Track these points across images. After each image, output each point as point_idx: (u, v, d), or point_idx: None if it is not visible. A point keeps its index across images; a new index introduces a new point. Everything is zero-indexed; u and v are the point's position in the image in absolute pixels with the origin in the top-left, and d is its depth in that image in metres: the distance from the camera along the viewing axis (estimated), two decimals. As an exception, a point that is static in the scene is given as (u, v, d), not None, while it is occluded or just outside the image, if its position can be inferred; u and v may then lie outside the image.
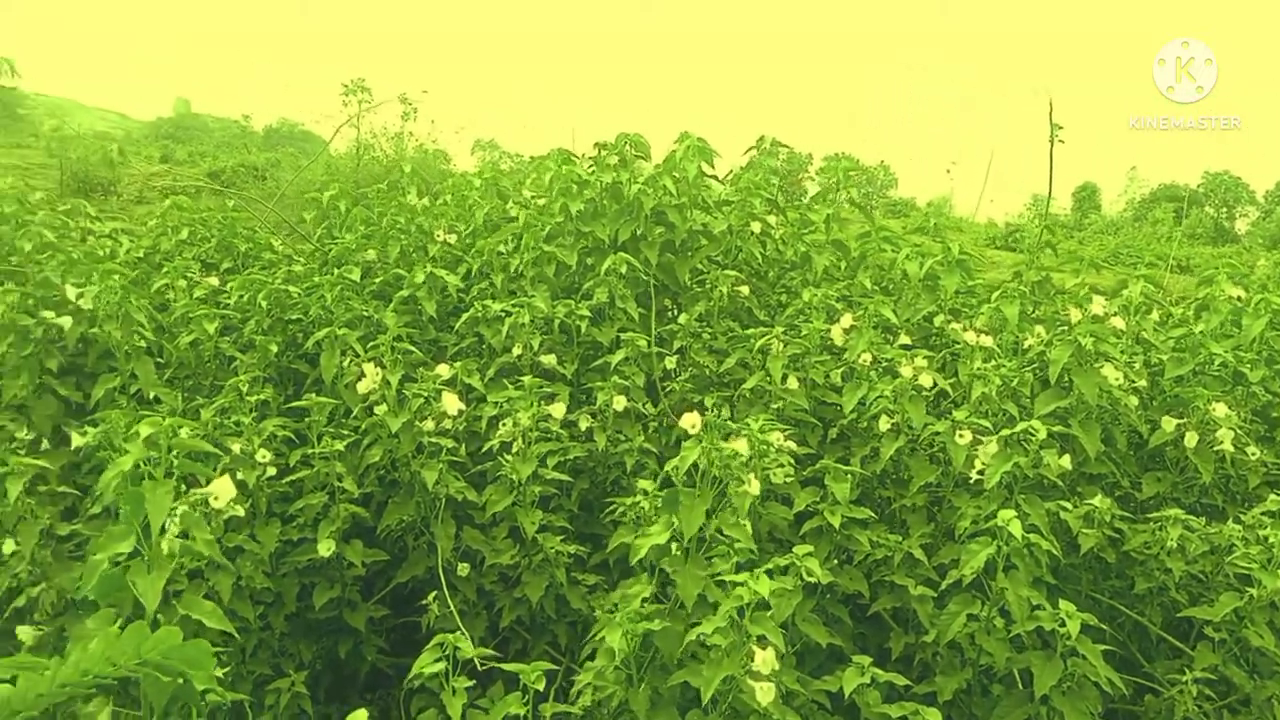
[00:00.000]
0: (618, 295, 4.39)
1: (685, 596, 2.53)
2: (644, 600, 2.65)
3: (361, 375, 3.69)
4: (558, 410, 3.50)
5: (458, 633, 2.55)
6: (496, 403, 3.80)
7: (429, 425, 3.57)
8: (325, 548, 3.38)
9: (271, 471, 3.43)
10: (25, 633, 3.14)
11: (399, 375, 3.47)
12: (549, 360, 4.09)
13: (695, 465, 2.75)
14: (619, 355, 4.07)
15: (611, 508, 3.42)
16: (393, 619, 3.85)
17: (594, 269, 4.60)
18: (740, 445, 2.63)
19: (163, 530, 2.21)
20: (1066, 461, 3.25)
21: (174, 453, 2.20)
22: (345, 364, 4.03)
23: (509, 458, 3.43)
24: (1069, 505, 3.33)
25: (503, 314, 4.20)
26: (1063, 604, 2.87)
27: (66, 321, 4.01)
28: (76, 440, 3.27)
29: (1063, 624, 2.81)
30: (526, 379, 3.62)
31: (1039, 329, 3.98)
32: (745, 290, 4.49)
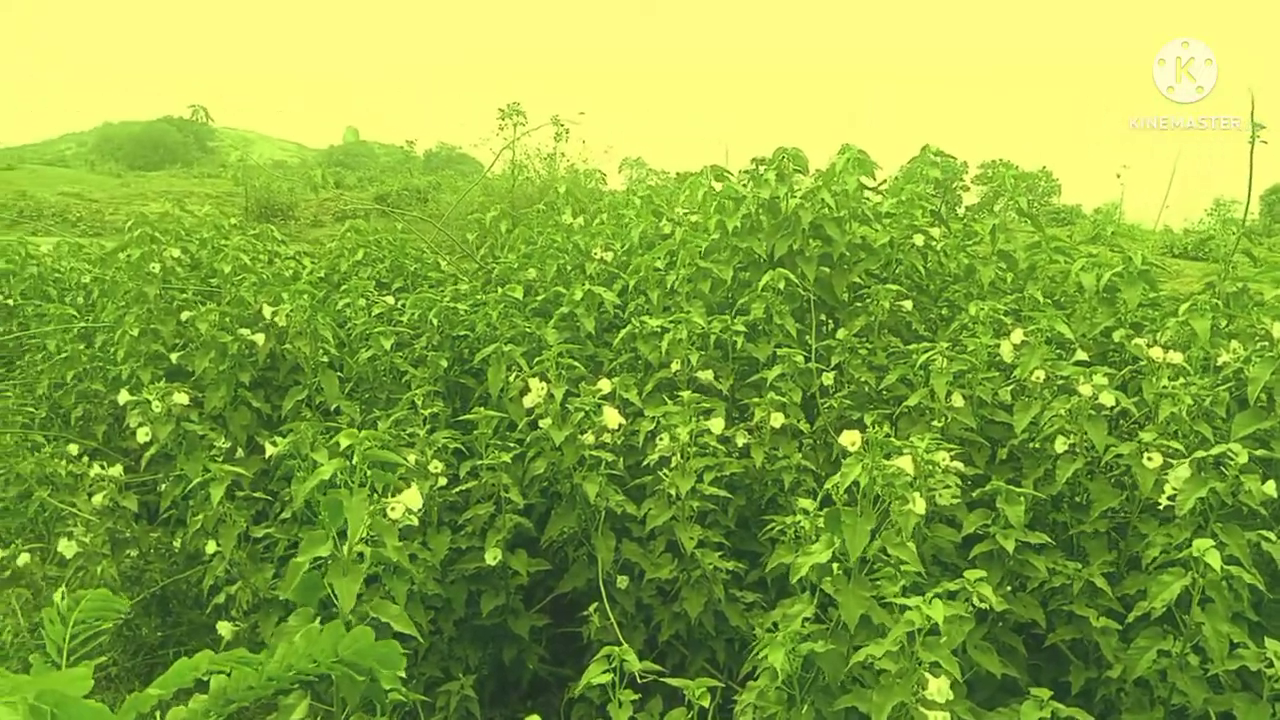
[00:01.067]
0: (774, 311, 4.36)
1: (848, 618, 2.48)
2: (805, 620, 2.61)
3: (525, 390, 3.81)
4: (716, 425, 3.51)
5: (623, 646, 2.58)
6: (653, 418, 3.85)
7: (589, 438, 3.65)
8: (492, 556, 3.51)
9: (442, 482, 3.59)
10: (225, 628, 3.40)
11: (563, 390, 3.57)
12: (706, 376, 4.11)
13: (856, 484, 2.69)
14: (776, 371, 4.04)
15: (769, 525, 3.40)
16: (553, 628, 3.95)
17: (750, 284, 4.59)
18: (905, 464, 2.56)
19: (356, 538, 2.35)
20: (1271, 488, 2.99)
21: (368, 464, 2.33)
22: (510, 379, 4.18)
23: (668, 472, 3.46)
24: (1272, 536, 3.06)
25: (660, 330, 4.25)
26: (1269, 643, 2.64)
27: (260, 338, 4.34)
28: (270, 449, 3.52)
29: (1270, 665, 2.59)
30: (684, 394, 3.64)
31: (1234, 344, 3.69)
32: (908, 305, 4.37)
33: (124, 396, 4.00)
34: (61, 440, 4.86)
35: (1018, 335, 3.76)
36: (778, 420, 3.76)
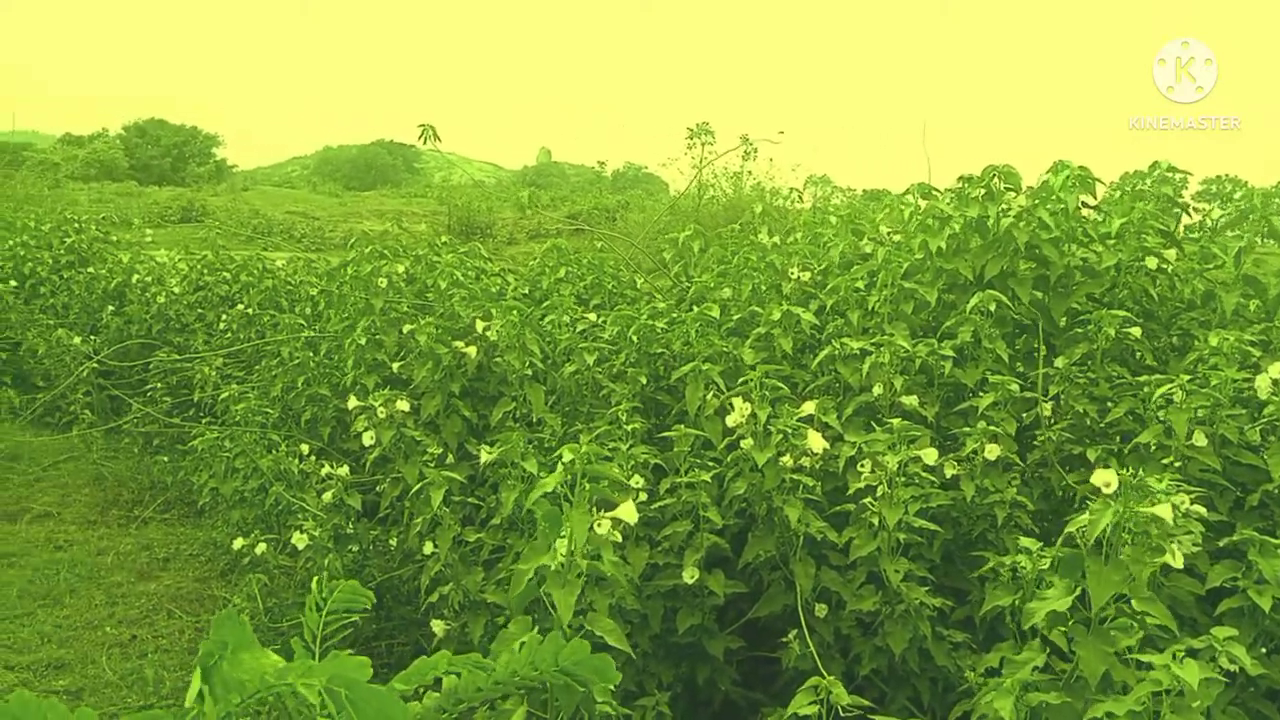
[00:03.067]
0: (984, 335, 4.16)
1: (1089, 672, 2.30)
2: (1033, 669, 2.45)
3: (725, 409, 3.81)
4: (929, 455, 3.37)
5: (831, 678, 2.52)
6: (854, 443, 3.75)
7: (787, 461, 3.60)
8: (690, 575, 3.51)
9: (642, 497, 3.64)
10: (438, 626, 3.57)
11: (766, 411, 3.53)
12: (910, 401, 3.97)
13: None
14: (988, 399, 3.85)
15: (979, 562, 3.22)
16: (745, 651, 3.91)
17: (954, 307, 4.40)
18: (1163, 511, 2.35)
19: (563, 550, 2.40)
20: None
21: (587, 477, 2.40)
22: (707, 397, 4.19)
23: (874, 501, 3.35)
24: None
25: (861, 352, 4.14)
26: None
27: (472, 350, 4.57)
28: (484, 456, 3.68)
29: None
30: (895, 421, 3.52)
31: None
32: (1136, 332, 4.06)
33: (352, 402, 4.30)
34: (294, 440, 5.30)
35: (1276, 369, 3.40)
36: (992, 452, 3.57)
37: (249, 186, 36.02)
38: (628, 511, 2.46)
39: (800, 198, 10.68)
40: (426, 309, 5.80)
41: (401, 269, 5.99)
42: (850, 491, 3.54)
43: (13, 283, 9.40)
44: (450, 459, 4.56)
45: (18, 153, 33.84)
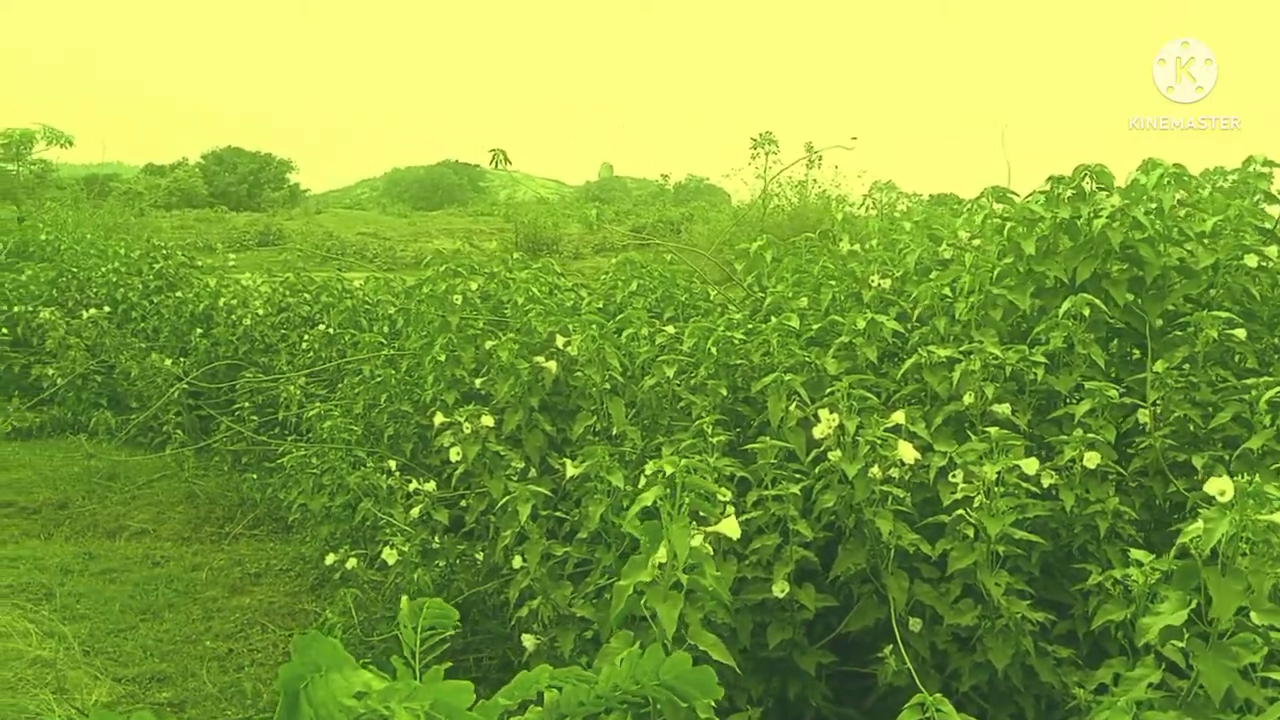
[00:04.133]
0: (1077, 340, 4.03)
1: (1212, 689, 2.20)
2: (1149, 686, 2.35)
3: (808, 420, 3.76)
4: (1030, 465, 3.28)
5: (936, 695, 2.45)
6: (944, 453, 3.67)
7: (876, 472, 3.53)
8: (780, 588, 3.47)
9: (730, 511, 3.60)
10: (529, 640, 3.59)
11: (855, 422, 3.48)
12: (1002, 410, 3.86)
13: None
14: (1084, 406, 3.73)
15: (1081, 575, 3.11)
16: (835, 666, 3.84)
17: (1045, 312, 4.29)
18: (1285, 520, 2.24)
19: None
20: None
21: (686, 491, 2.38)
22: (789, 408, 4.15)
23: (972, 512, 3.27)
24: None
25: (949, 360, 4.05)
26: None
27: (552, 365, 4.60)
28: (570, 470, 3.69)
29: None
30: (993, 431, 3.43)
31: None
32: (1240, 333, 3.89)
33: (438, 418, 4.37)
34: (378, 456, 5.40)
35: (1398, 370, 3.22)
36: (1092, 460, 3.45)
37: (321, 209, 37.03)
38: (730, 527, 2.44)
39: (874, 204, 10.52)
40: (502, 325, 5.86)
41: (476, 286, 6.07)
42: (946, 503, 3.46)
43: (106, 308, 9.79)
44: (533, 473, 4.59)
45: (105, 183, 35.35)
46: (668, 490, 2.42)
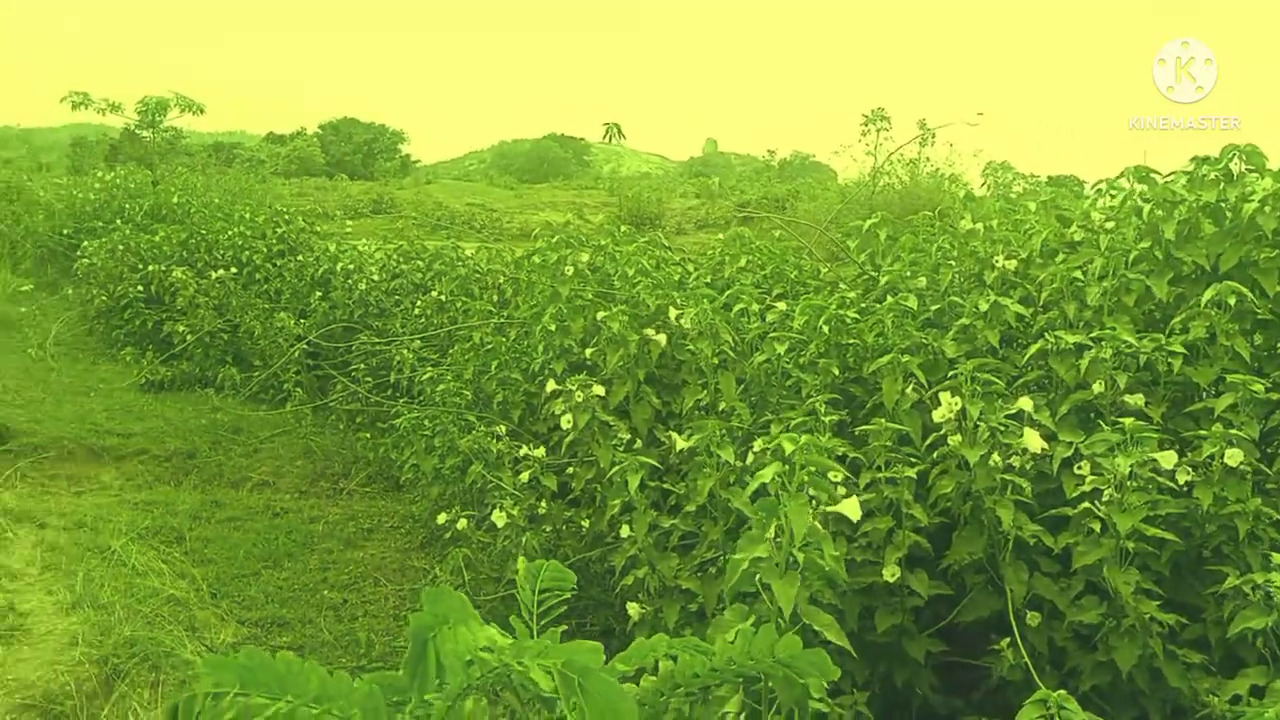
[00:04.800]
0: (1220, 330, 3.80)
1: (1372, 706, 2.06)
2: (1296, 698, 2.21)
3: (924, 403, 3.66)
4: (1167, 459, 3.12)
5: (1061, 692, 2.36)
6: (1070, 443, 3.53)
7: (996, 460, 3.41)
8: (890, 573, 3.40)
9: (842, 491, 3.54)
10: (634, 609, 3.62)
11: (978, 407, 3.37)
12: (1135, 401, 3.68)
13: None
14: (1225, 400, 3.52)
15: (1214, 578, 2.95)
16: (944, 655, 3.75)
17: (1185, 300, 4.06)
18: None
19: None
20: None
21: (806, 469, 2.35)
22: (905, 390, 4.04)
23: (1101, 506, 3.13)
24: None
25: (1078, 347, 3.88)
26: None
27: (662, 338, 4.59)
28: (679, 443, 3.69)
29: None
30: (1128, 422, 3.27)
31: None
32: (1407, 329, 3.60)
33: (550, 386, 4.42)
34: (488, 421, 5.51)
35: None
36: (1234, 458, 3.26)
37: (431, 180, 37.89)
38: (851, 507, 2.39)
39: (991, 184, 10.15)
40: (609, 297, 5.88)
41: (586, 258, 6.11)
42: (1071, 495, 3.32)
43: (233, 269, 10.24)
44: (638, 444, 4.61)
45: (230, 150, 36.97)
46: (786, 468, 2.38)
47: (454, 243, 9.16)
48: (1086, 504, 3.25)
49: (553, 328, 5.41)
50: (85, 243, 12.11)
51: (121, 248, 11.21)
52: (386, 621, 4.73)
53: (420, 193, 29.71)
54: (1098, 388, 3.74)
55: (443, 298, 7.93)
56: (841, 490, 3.51)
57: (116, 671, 3.30)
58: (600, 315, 4.88)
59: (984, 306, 4.32)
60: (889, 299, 4.77)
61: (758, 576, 2.32)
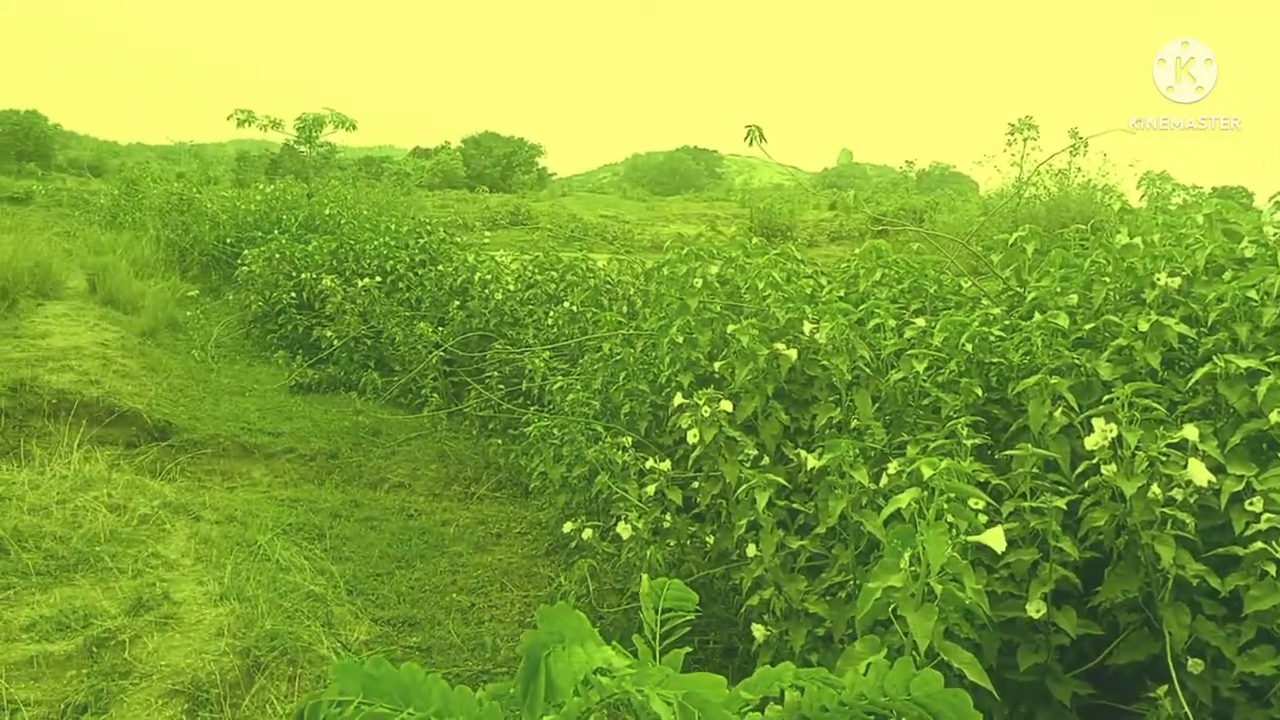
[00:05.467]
0: None
1: None
2: None
3: (1075, 428, 3.43)
4: (1360, 499, 2.81)
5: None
6: (1241, 476, 3.23)
7: (1155, 491, 3.16)
8: (1035, 609, 3.19)
9: (982, 519, 3.36)
10: (759, 631, 3.53)
11: (1136, 435, 3.12)
12: (1319, 433, 3.34)
13: None
14: None
15: None
16: (1093, 699, 3.50)
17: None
18: None
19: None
20: None
21: (945, 495, 2.22)
22: (1054, 414, 3.80)
23: (1278, 547, 2.85)
24: None
25: (1252, 373, 3.55)
26: None
27: (793, 353, 4.49)
28: (810, 462, 3.58)
29: None
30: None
31: None
32: None
33: (677, 399, 4.39)
34: (614, 431, 5.52)
35: None
36: None
37: (566, 192, 38.70)
38: (995, 538, 2.25)
39: (1154, 195, 9.55)
40: (737, 310, 5.81)
41: (715, 270, 6.05)
42: (1242, 533, 3.04)
43: (377, 278, 10.69)
44: (766, 460, 4.51)
45: (379, 164, 38.81)
46: (923, 493, 2.26)
47: (585, 254, 9.26)
48: (1261, 544, 2.97)
49: (680, 340, 5.38)
50: (245, 251, 12.93)
51: (278, 256, 11.90)
52: (512, 627, 4.79)
53: (555, 205, 30.38)
54: (1274, 417, 3.41)
55: (574, 308, 8.03)
56: (982, 518, 3.34)
57: (257, 664, 3.45)
58: (730, 329, 4.81)
59: (1144, 326, 4.02)
60: (1037, 316, 4.52)
61: (892, 606, 2.20)
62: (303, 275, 11.35)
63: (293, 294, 11.32)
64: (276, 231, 13.87)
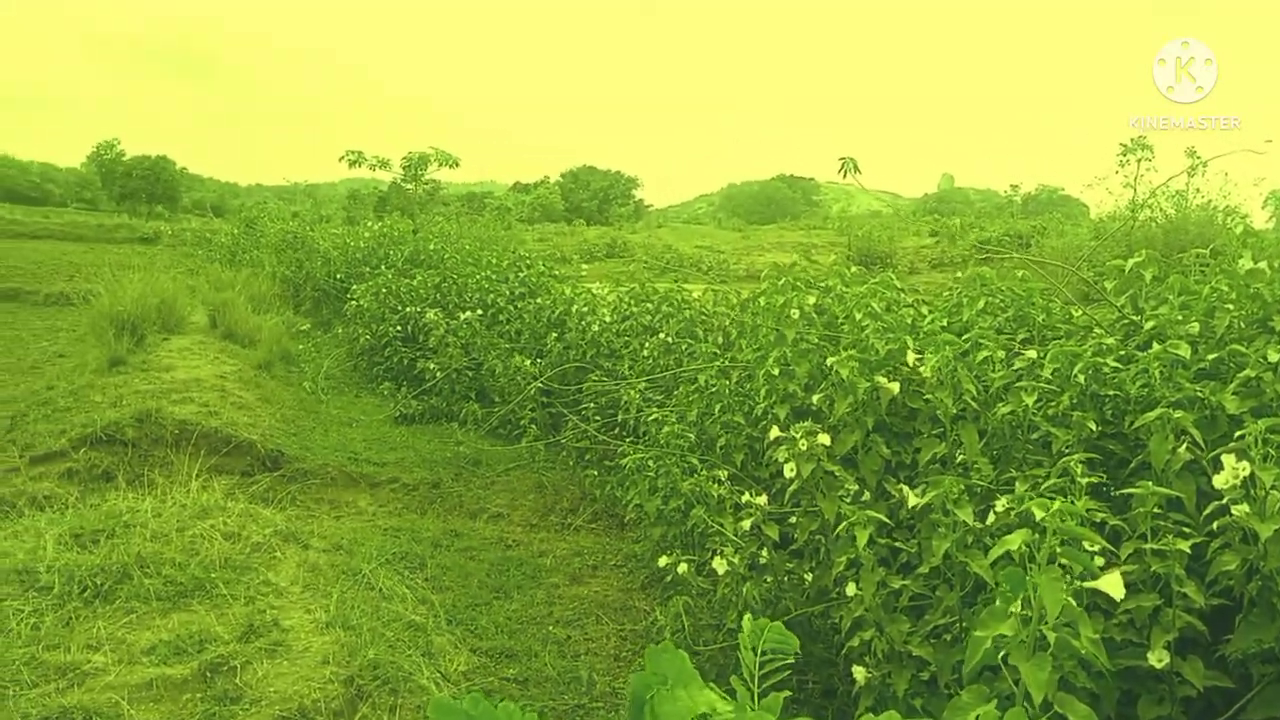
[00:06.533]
0: None
1: None
2: None
3: (1200, 465, 3.23)
4: None
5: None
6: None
7: (1291, 535, 2.94)
8: (1158, 658, 3.00)
9: (1099, 562, 3.19)
10: (860, 673, 3.42)
11: (1272, 473, 2.92)
12: None
13: None
14: None
15: None
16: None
17: None
18: None
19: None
20: None
21: (1058, 537, 2.12)
22: (1177, 450, 3.59)
23: None
24: None
25: (1400, 406, 3.29)
26: None
27: (895, 386, 4.37)
28: (911, 499, 3.47)
29: None
30: None
31: None
32: None
33: (774, 432, 4.32)
34: (710, 464, 5.48)
35: None
36: None
37: (662, 224, 38.99)
38: (1113, 584, 2.12)
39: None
40: (836, 340, 5.70)
41: (812, 300, 5.97)
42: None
43: (479, 311, 10.95)
44: (866, 496, 4.39)
45: (481, 199, 39.94)
46: (1035, 534, 2.15)
47: (680, 285, 9.28)
48: None
49: (776, 372, 5.31)
50: (354, 286, 13.44)
51: (384, 291, 12.32)
52: (608, 661, 4.77)
53: (651, 236, 30.62)
54: None
55: (669, 339, 8.03)
56: (1099, 561, 3.17)
57: (361, 692, 3.52)
58: (828, 360, 4.73)
59: (1274, 357, 3.78)
60: (1155, 346, 4.30)
61: (1002, 654, 2.10)
62: (408, 309, 11.71)
63: (398, 327, 11.68)
64: (384, 267, 14.38)
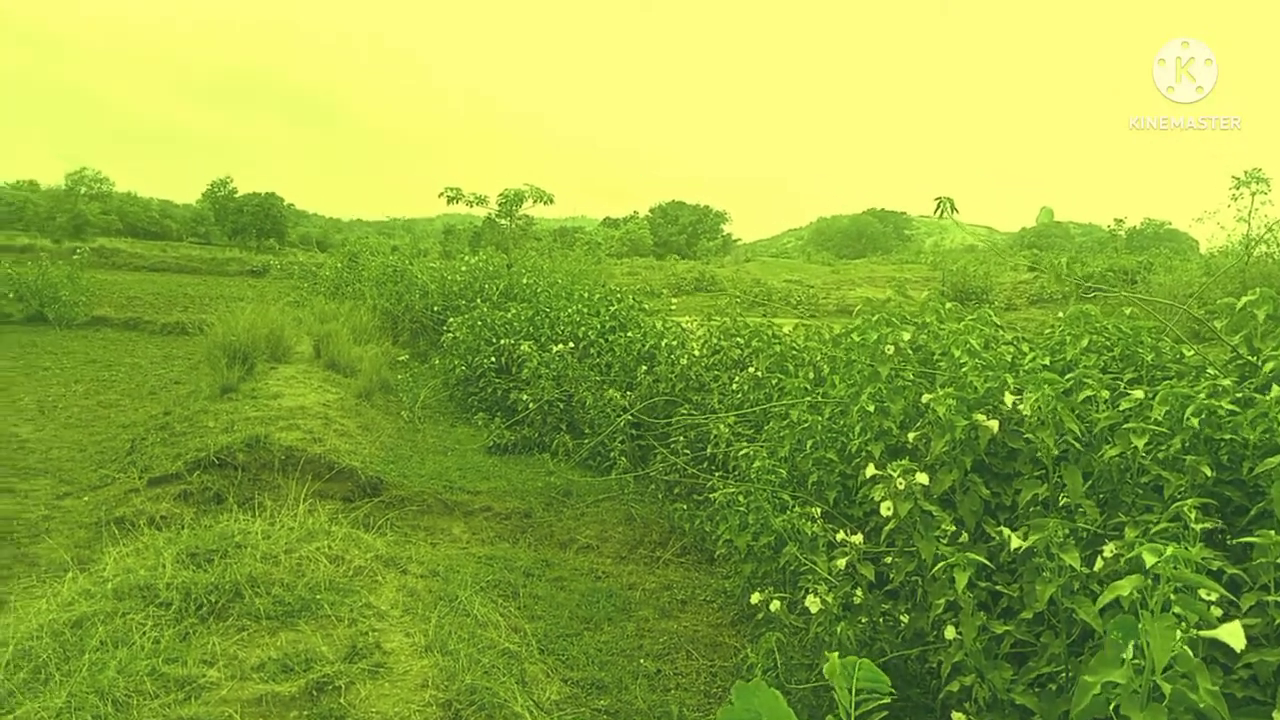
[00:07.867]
0: None
1: None
2: None
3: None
4: None
5: None
6: None
7: None
8: (1283, 717, 2.84)
9: (1216, 612, 3.05)
10: (959, 719, 3.33)
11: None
12: None
13: None
14: None
15: None
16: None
17: None
18: None
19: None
20: None
21: (1172, 584, 2.05)
22: (1301, 497, 3.42)
23: None
24: None
25: None
26: None
27: (994, 425, 4.28)
28: (1014, 542, 3.39)
29: None
30: None
31: None
32: None
33: (869, 470, 4.28)
34: (802, 500, 5.43)
35: None
36: None
37: (751, 257, 38.96)
38: (1233, 634, 2.04)
39: None
40: (931, 377, 5.61)
41: (907, 336, 5.90)
42: None
43: (570, 344, 11.12)
44: (964, 538, 4.30)
45: (572, 234, 40.66)
46: (1147, 581, 2.09)
47: (770, 319, 9.26)
48: None
49: (871, 409, 5.26)
50: (450, 319, 13.83)
51: (479, 323, 12.65)
52: (698, 697, 4.75)
53: (740, 270, 30.63)
54: None
55: (759, 374, 8.02)
56: (1216, 611, 3.03)
57: (458, 717, 3.60)
58: (925, 398, 4.66)
59: (1407, 401, 3.57)
60: (1275, 389, 4.11)
61: (1113, 704, 2.03)
62: (502, 341, 11.99)
63: (492, 359, 11.96)
64: (479, 300, 14.76)
